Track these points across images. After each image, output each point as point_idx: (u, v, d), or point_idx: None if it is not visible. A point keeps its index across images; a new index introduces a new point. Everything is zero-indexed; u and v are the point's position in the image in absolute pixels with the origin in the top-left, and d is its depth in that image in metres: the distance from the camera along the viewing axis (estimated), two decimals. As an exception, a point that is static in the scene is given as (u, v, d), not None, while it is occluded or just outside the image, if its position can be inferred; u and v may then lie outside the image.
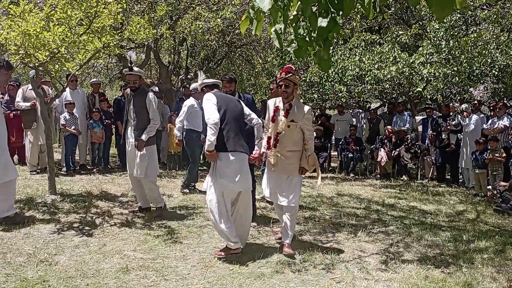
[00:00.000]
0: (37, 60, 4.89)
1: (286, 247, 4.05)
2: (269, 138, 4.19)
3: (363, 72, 8.98)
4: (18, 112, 7.46)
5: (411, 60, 8.20)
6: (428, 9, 9.13)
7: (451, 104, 9.50)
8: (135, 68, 5.14)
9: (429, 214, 5.93)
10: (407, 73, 8.24)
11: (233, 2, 8.04)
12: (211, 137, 3.76)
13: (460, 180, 8.61)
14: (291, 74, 4.02)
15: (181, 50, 11.22)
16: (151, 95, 5.08)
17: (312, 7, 1.77)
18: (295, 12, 1.89)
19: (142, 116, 5.04)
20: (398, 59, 8.41)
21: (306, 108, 4.12)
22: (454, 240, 4.68)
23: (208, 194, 3.95)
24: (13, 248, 3.88)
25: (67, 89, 7.44)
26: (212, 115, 3.82)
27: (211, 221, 4.01)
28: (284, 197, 4.11)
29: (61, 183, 6.38)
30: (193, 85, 7.42)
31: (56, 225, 4.60)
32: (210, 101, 3.94)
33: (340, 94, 9.93)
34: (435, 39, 8.20)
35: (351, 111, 11.98)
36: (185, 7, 8.73)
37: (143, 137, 4.99)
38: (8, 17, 4.83)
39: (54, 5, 5.02)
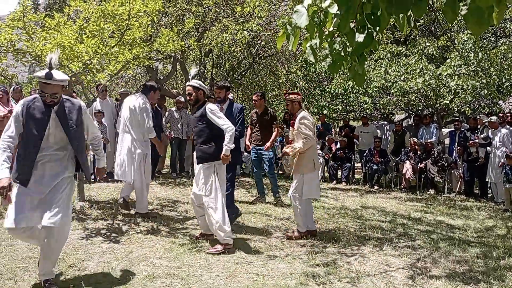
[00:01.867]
0: (70, 71, 5.06)
1: (290, 232, 4.98)
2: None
3: (389, 84, 8.92)
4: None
5: (438, 72, 8.10)
6: (457, 21, 9.03)
7: (479, 117, 9.31)
8: (57, 75, 3.18)
9: (457, 229, 5.80)
10: (434, 85, 8.14)
11: (259, 15, 8.14)
12: (232, 142, 4.28)
13: (489, 195, 8.39)
14: (288, 94, 5.08)
15: (206, 61, 11.39)
16: (83, 103, 3.56)
17: (350, 24, 1.81)
18: (331, 28, 1.92)
19: (79, 137, 3.43)
20: (425, 71, 8.32)
21: (300, 115, 4.91)
22: (483, 256, 4.56)
23: (216, 200, 4.33)
24: (44, 252, 3.99)
25: (97, 99, 7.65)
26: (229, 123, 4.36)
27: (216, 222, 4.29)
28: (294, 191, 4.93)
29: (89, 190, 6.54)
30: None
31: (85, 231, 4.71)
32: (218, 111, 4.44)
33: (365, 105, 9.87)
34: (463, 51, 8.08)
35: (375, 122, 11.88)
36: (211, 20, 8.89)
37: (102, 162, 3.84)
38: (43, 30, 5.04)
39: (87, 18, 5.21)
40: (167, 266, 3.84)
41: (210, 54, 10.97)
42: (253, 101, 6.96)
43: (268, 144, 6.81)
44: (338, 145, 10.37)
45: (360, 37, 1.81)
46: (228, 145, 4.26)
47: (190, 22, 6.37)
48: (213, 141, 4.37)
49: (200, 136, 4.43)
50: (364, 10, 1.78)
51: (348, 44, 1.91)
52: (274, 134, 6.98)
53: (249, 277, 3.68)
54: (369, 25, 1.79)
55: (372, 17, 1.77)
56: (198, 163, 4.43)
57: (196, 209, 4.62)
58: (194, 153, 4.63)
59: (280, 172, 10.51)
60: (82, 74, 5.32)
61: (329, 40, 1.98)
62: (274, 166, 7.62)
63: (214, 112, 4.37)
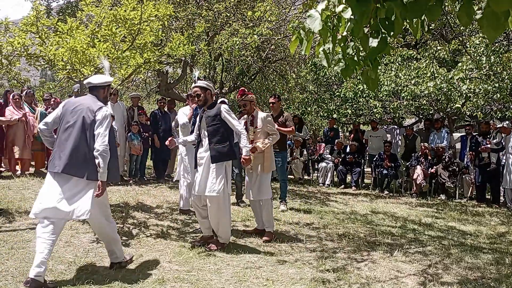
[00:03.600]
0: (82, 75, 5.11)
1: (266, 235, 4.93)
2: None
3: (399, 88, 8.86)
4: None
5: (449, 76, 8.03)
6: (470, 25, 8.95)
7: (491, 122, 9.21)
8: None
9: (468, 235, 5.72)
10: (445, 89, 8.07)
11: (269, 19, 8.16)
12: (248, 144, 4.45)
13: (501, 200, 8.28)
14: (244, 95, 5.02)
15: (216, 65, 11.43)
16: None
17: (364, 29, 1.80)
18: (344, 33, 1.91)
19: None
20: (436, 75, 8.25)
21: (263, 114, 5.05)
22: (496, 263, 4.49)
23: (225, 200, 4.42)
24: (54, 256, 4.02)
25: (108, 103, 7.71)
26: (241, 125, 4.52)
27: (224, 221, 4.42)
28: (256, 192, 4.98)
29: (99, 193, 6.57)
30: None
31: (95, 235, 4.73)
32: (232, 112, 4.52)
33: (375, 109, 9.81)
34: (475, 54, 8.00)
35: (385, 127, 11.81)
36: (222, 24, 8.92)
37: None
38: (56, 34, 5.11)
39: (99, 23, 5.26)
40: (177, 270, 3.84)
41: (220, 58, 11.01)
42: (270, 104, 6.77)
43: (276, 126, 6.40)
44: (348, 149, 10.32)
45: (374, 42, 1.81)
46: (247, 146, 4.41)
47: (200, 26, 6.41)
48: (228, 140, 4.44)
49: (215, 135, 4.43)
50: (378, 15, 1.78)
51: (361, 48, 1.90)
52: (288, 129, 6.54)
53: (258, 282, 3.66)
54: (383, 30, 1.78)
55: (386, 22, 1.76)
56: (213, 162, 4.39)
57: (199, 211, 4.56)
58: (201, 154, 4.52)
59: (289, 176, 10.50)
60: (94, 78, 5.36)
61: (342, 44, 1.97)
62: (286, 171, 7.46)
63: (230, 112, 4.47)
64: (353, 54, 1.97)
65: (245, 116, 5.15)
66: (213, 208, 4.37)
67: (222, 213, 4.40)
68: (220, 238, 4.51)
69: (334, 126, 11.81)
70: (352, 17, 1.76)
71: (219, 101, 6.80)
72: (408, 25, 1.86)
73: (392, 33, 1.77)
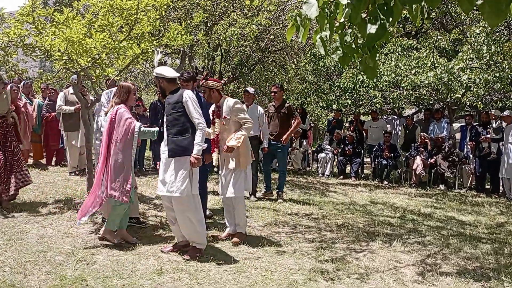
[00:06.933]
0: (79, 66, 5.06)
1: (236, 237, 4.45)
2: (213, 140, 4.49)
3: (399, 78, 8.82)
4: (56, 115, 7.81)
5: (450, 66, 7.97)
6: (470, 14, 8.87)
7: (491, 112, 9.17)
8: None
9: (467, 225, 5.73)
10: (445, 79, 8.02)
11: (267, 8, 8.08)
12: (203, 141, 3.86)
13: (500, 190, 8.28)
14: (204, 81, 4.48)
15: (215, 55, 11.35)
16: None
17: (362, 14, 1.75)
18: (342, 20, 1.87)
19: None
20: (436, 65, 8.20)
21: (231, 102, 4.41)
22: (495, 253, 4.49)
23: (193, 199, 3.94)
24: (53, 246, 4.02)
25: (104, 92, 7.66)
26: (203, 120, 3.91)
27: (196, 223, 3.91)
28: (229, 189, 4.46)
29: (98, 185, 6.57)
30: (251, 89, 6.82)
31: (94, 225, 4.74)
32: (197, 102, 3.96)
33: (375, 100, 9.77)
34: (476, 44, 7.94)
35: (385, 117, 11.77)
36: (220, 14, 8.84)
37: None
38: (52, 24, 5.05)
39: (96, 13, 5.21)
40: (175, 261, 3.84)
41: (219, 48, 10.93)
42: (272, 93, 6.87)
43: (285, 136, 6.57)
44: (347, 141, 10.29)
45: (372, 29, 1.75)
46: (200, 144, 3.80)
47: (198, 16, 6.34)
48: (189, 132, 3.87)
49: (174, 125, 3.87)
50: (376, 0, 1.73)
51: (359, 36, 1.85)
52: (293, 125, 6.70)
53: (257, 273, 3.66)
54: (381, 16, 1.73)
55: (385, 8, 1.71)
56: (169, 157, 3.85)
57: (170, 213, 4.04)
58: (162, 146, 4.03)
59: (288, 167, 10.49)
60: (91, 68, 5.32)
61: (339, 32, 1.92)
62: (287, 163, 7.41)
63: (192, 100, 3.88)
64: (351, 41, 1.91)
65: (213, 106, 4.56)
66: (178, 210, 3.87)
67: (190, 215, 3.88)
68: (195, 244, 3.98)
69: (339, 117, 11.72)
70: (349, 1, 1.71)
71: None
72: (407, 12, 1.81)
73: (390, 19, 1.72)
